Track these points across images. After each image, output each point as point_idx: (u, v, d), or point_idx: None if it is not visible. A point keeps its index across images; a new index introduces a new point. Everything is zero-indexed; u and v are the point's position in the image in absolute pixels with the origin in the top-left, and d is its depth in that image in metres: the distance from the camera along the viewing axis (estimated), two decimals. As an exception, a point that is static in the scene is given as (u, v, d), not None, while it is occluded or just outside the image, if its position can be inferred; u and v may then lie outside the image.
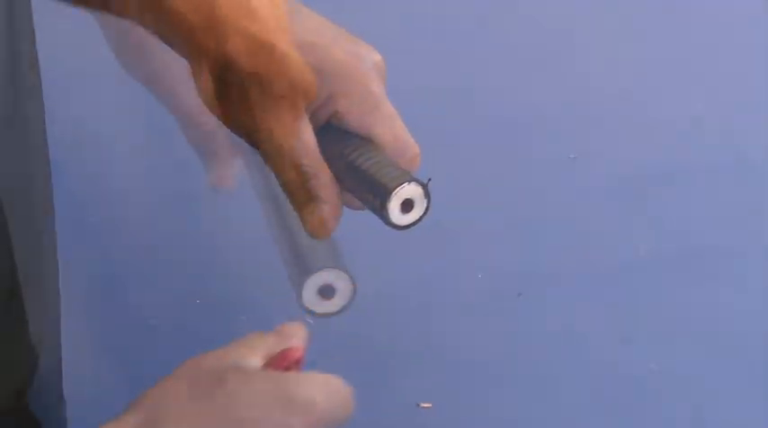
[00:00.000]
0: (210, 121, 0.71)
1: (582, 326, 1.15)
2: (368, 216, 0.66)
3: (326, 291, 0.62)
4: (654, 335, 1.13)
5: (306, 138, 0.67)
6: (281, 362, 0.62)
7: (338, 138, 0.71)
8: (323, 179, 0.68)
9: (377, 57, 0.70)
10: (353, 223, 0.68)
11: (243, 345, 0.63)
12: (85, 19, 0.68)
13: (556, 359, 1.11)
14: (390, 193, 0.62)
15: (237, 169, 0.73)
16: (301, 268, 0.63)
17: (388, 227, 0.64)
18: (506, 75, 1.44)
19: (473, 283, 1.20)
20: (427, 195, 0.63)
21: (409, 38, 1.44)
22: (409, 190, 0.62)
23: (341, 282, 0.62)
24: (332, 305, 0.63)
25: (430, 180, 0.64)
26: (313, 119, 0.69)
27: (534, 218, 1.29)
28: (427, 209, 0.64)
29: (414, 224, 0.63)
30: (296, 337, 0.64)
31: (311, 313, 0.62)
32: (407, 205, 0.63)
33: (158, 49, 0.69)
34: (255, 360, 0.62)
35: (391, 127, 0.70)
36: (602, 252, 1.24)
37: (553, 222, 1.28)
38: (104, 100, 1.32)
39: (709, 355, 1.11)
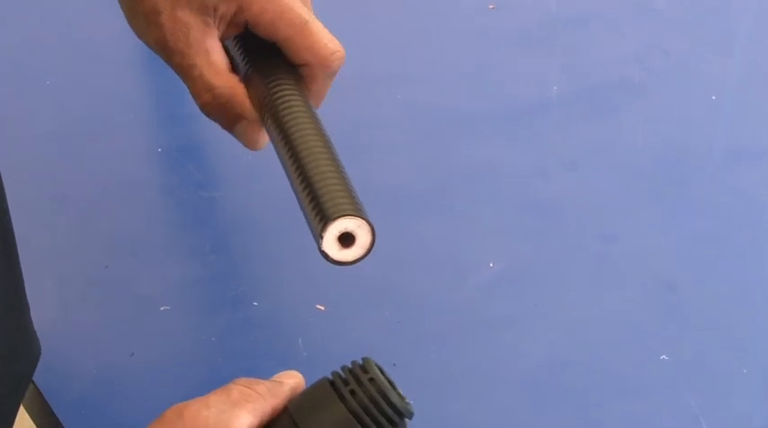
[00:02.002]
0: (224, 86, 0.69)
1: (502, 160, 1.23)
2: (369, 205, 0.63)
3: (346, 239, 0.59)
4: (567, 166, 1.23)
5: (215, 57, 0.68)
6: None
7: (260, 59, 0.70)
8: (240, 98, 0.68)
9: None
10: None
11: (232, 402, 0.57)
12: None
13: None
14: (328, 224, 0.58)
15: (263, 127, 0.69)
16: (324, 213, 0.59)
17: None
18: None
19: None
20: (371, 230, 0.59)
21: None
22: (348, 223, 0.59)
23: (361, 232, 0.59)
24: (350, 254, 0.59)
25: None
26: (231, 28, 0.69)
27: (458, 62, 1.38)
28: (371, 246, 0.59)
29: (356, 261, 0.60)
30: (289, 386, 0.60)
31: (329, 260, 0.59)
32: (347, 239, 0.59)
33: (170, 14, 0.67)
34: (245, 419, 0.57)
35: (300, 32, 0.68)
36: (521, 92, 1.34)
37: (476, 67, 1.37)
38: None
39: (619, 180, 1.22)
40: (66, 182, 1.18)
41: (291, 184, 0.64)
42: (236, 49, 0.72)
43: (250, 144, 0.72)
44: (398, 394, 0.59)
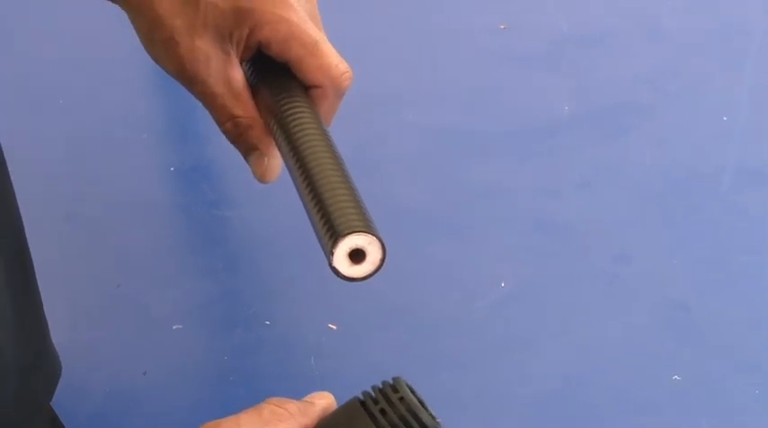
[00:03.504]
0: (245, 113, 0.69)
1: (513, 180, 1.23)
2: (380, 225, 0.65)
3: (357, 255, 0.59)
4: (578, 186, 1.23)
5: (236, 86, 0.68)
6: None
7: (271, 79, 0.69)
8: (257, 129, 0.68)
9: None
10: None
11: (263, 421, 0.58)
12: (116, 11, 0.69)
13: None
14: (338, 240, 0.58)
15: (280, 158, 0.70)
16: (334, 229, 0.59)
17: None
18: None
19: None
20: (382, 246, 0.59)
21: None
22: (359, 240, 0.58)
23: (372, 248, 0.58)
24: (360, 270, 0.59)
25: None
26: (245, 51, 0.69)
27: (468, 82, 1.39)
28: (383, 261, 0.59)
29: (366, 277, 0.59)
30: (321, 407, 0.60)
31: (340, 276, 0.59)
32: (358, 255, 0.59)
33: (188, 44, 0.67)
34: None
35: (312, 52, 0.68)
36: (532, 112, 1.34)
37: (490, 88, 1.38)
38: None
39: (630, 201, 1.22)
40: (78, 201, 1.18)
41: (302, 200, 0.64)
42: (249, 70, 0.73)
43: (259, 175, 0.73)
44: (429, 413, 0.59)
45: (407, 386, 0.60)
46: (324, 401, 0.61)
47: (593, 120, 1.33)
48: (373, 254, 0.59)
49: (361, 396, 0.59)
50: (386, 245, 0.58)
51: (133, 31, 0.77)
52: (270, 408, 0.58)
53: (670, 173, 1.26)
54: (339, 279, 0.59)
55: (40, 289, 0.88)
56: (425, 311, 1.08)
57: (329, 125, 0.72)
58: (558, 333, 1.07)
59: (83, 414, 0.96)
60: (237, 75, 0.69)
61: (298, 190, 0.64)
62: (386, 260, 0.58)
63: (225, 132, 0.70)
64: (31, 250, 0.86)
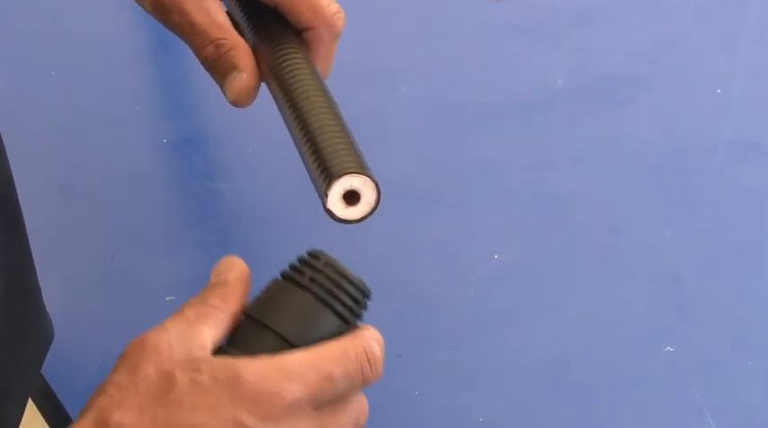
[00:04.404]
0: (228, 37, 0.68)
1: (507, 153, 1.23)
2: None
3: (351, 197, 0.58)
4: (573, 159, 1.22)
5: (217, 16, 0.66)
6: None
7: (262, 25, 0.68)
8: (240, 50, 0.67)
9: None
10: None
11: (189, 323, 0.54)
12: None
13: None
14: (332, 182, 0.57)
15: (258, 82, 0.67)
16: (329, 171, 0.58)
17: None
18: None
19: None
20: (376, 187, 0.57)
21: None
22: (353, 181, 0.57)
23: (366, 189, 0.58)
24: (355, 212, 0.58)
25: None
26: None
27: (462, 56, 1.38)
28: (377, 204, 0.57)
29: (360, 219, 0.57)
30: (236, 283, 0.57)
31: (335, 218, 0.57)
32: (352, 197, 0.58)
33: None
34: (208, 333, 0.54)
35: None
36: (526, 85, 1.34)
37: (484, 61, 1.38)
38: None
39: (625, 174, 1.22)
40: (72, 173, 1.18)
41: (296, 144, 0.64)
42: (240, 15, 0.73)
43: (235, 94, 0.72)
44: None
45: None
46: (235, 272, 0.59)
47: (588, 93, 1.33)
48: (368, 195, 0.58)
49: (283, 274, 0.59)
50: (380, 186, 0.58)
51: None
52: (193, 309, 0.57)
53: (665, 146, 1.26)
54: (335, 222, 0.59)
55: (35, 260, 0.88)
56: (419, 283, 1.08)
57: (329, 71, 0.72)
58: (554, 305, 1.07)
59: (76, 384, 0.96)
60: (217, 6, 0.69)
61: (291, 134, 0.64)
62: (380, 201, 0.58)
63: (204, 58, 0.69)
64: (27, 222, 0.85)
